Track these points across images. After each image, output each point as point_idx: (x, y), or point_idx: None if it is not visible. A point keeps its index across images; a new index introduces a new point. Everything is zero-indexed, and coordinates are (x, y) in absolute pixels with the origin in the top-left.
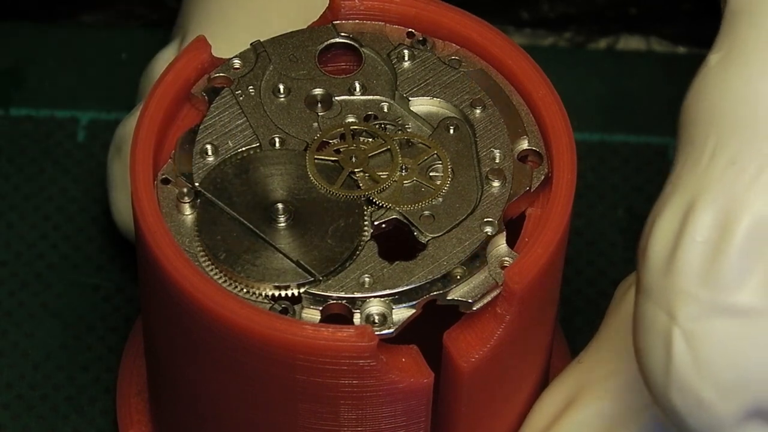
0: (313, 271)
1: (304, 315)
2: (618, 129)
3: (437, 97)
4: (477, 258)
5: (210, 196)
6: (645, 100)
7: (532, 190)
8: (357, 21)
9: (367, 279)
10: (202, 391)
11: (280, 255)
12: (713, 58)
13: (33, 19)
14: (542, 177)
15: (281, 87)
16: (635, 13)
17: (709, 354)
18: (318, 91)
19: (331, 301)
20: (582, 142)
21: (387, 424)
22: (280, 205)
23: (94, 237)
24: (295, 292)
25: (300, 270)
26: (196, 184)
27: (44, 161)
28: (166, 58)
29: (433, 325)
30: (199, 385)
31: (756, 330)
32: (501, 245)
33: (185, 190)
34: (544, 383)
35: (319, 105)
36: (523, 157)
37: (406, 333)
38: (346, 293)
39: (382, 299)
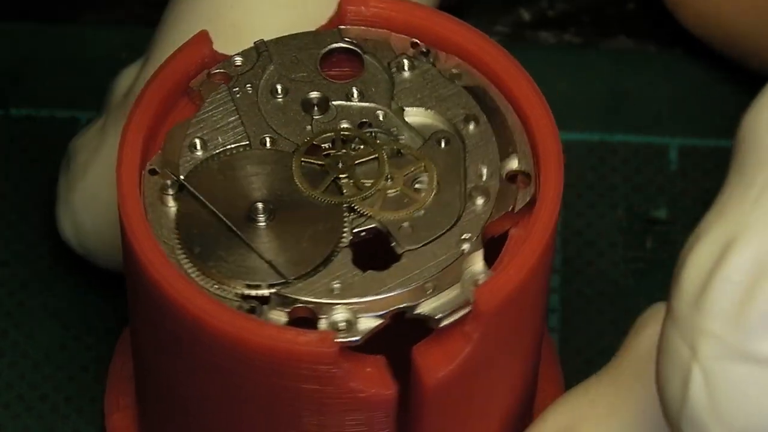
0: (283, 273)
1: (270, 316)
2: (618, 129)
3: (432, 110)
4: (451, 274)
5: (192, 189)
6: (645, 100)
7: (515, 211)
8: (363, 27)
9: (336, 285)
10: (172, 381)
11: (255, 254)
12: None
13: (33, 19)
14: (528, 198)
15: (279, 87)
16: (634, 13)
17: (725, 396)
18: (315, 94)
19: (298, 305)
20: (582, 142)
21: (351, 430)
22: (260, 205)
23: None
24: (266, 292)
25: (271, 270)
26: (181, 177)
27: (44, 161)
28: (130, 74)
29: (410, 338)
30: (170, 376)
31: None
32: (477, 263)
33: (169, 182)
34: (525, 403)
35: (316, 108)
36: (513, 176)
37: (383, 344)
38: (313, 298)
39: (349, 307)
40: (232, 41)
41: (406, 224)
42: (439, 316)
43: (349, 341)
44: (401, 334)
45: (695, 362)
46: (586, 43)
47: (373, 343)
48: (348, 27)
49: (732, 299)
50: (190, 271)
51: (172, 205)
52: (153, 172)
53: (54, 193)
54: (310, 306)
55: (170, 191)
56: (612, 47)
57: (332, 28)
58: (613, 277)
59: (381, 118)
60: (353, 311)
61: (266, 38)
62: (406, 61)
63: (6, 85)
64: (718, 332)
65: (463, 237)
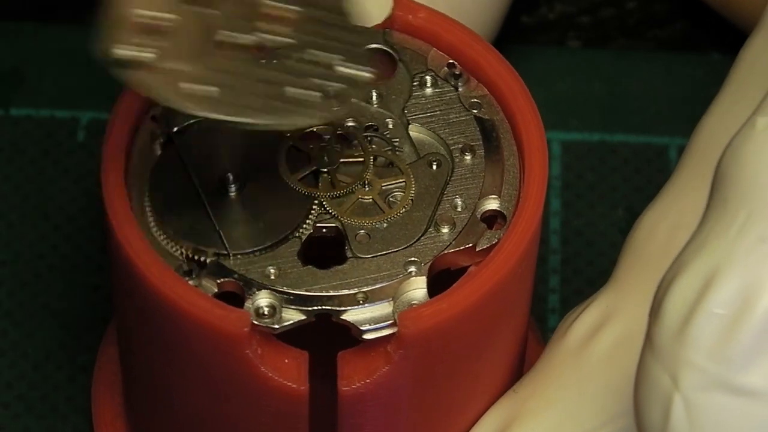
0: (227, 245)
1: (203, 283)
2: (618, 129)
3: (434, 131)
4: (388, 291)
5: (177, 144)
6: (645, 100)
7: (477, 249)
8: (409, 36)
9: (272, 271)
10: (128, 332)
11: (210, 221)
12: (761, 121)
13: (33, 19)
14: (495, 240)
15: None
16: (634, 13)
17: (706, 427)
18: None
19: (230, 279)
20: (582, 142)
21: (264, 417)
22: (230, 175)
23: (94, 237)
24: (208, 260)
25: (218, 240)
26: (174, 129)
27: (44, 161)
28: None
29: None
30: (124, 323)
31: (757, 413)
32: (419, 289)
33: (159, 131)
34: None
35: None
36: (492, 216)
37: (333, 348)
38: (246, 275)
39: (277, 294)
40: None
41: (363, 232)
42: (364, 328)
43: (267, 327)
44: (348, 341)
45: (677, 393)
46: (587, 44)
47: (322, 343)
48: (395, 32)
49: (715, 331)
50: (149, 220)
51: (158, 153)
52: (153, 118)
53: (53, 192)
54: (240, 283)
55: (160, 140)
56: (612, 48)
57: (382, 28)
58: None
59: (389, 126)
60: (280, 300)
61: None
62: (429, 78)
63: (6, 85)
64: (700, 363)
65: (412, 259)
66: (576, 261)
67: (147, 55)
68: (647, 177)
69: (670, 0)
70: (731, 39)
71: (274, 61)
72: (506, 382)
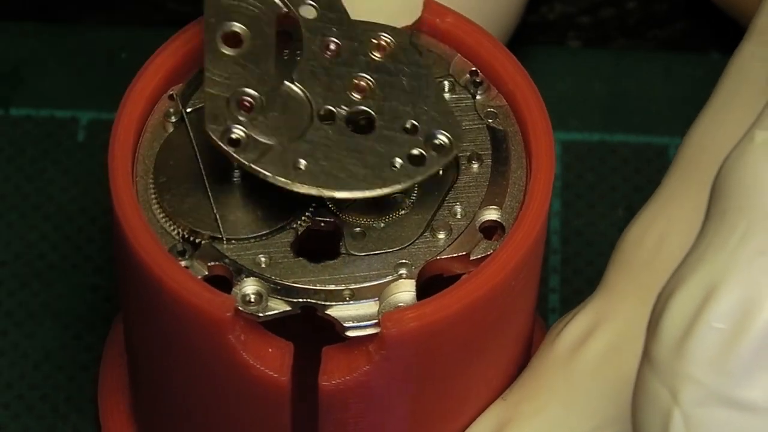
0: (221, 230)
1: (195, 264)
2: (618, 129)
3: None
4: (375, 291)
5: (188, 125)
6: (645, 100)
7: (471, 258)
8: (435, 40)
9: (263, 259)
10: (126, 310)
11: (209, 204)
12: (760, 135)
13: (33, 19)
14: (490, 251)
15: None
16: (634, 13)
17: None
18: None
19: (220, 263)
20: (582, 142)
21: (247, 405)
22: None
23: (94, 237)
24: (203, 242)
25: (214, 224)
26: (188, 110)
27: (44, 161)
28: None
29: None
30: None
31: (757, 428)
32: (407, 292)
33: (172, 110)
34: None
35: None
36: (492, 227)
37: (329, 339)
38: (236, 260)
39: (265, 283)
40: None
41: (359, 230)
42: (348, 324)
43: (252, 315)
44: (337, 339)
45: (676, 407)
46: (587, 44)
47: (313, 338)
48: (422, 34)
49: (714, 345)
50: (152, 197)
51: (170, 131)
52: (171, 97)
53: (53, 192)
54: (230, 268)
55: (172, 119)
56: (612, 48)
57: (411, 30)
58: None
59: None
60: (267, 289)
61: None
62: (447, 84)
63: (6, 85)
64: (700, 378)
65: (404, 261)
66: (576, 261)
67: (260, 133)
68: (647, 177)
69: (670, 0)
70: (731, 39)
71: (373, 132)
72: (504, 388)
